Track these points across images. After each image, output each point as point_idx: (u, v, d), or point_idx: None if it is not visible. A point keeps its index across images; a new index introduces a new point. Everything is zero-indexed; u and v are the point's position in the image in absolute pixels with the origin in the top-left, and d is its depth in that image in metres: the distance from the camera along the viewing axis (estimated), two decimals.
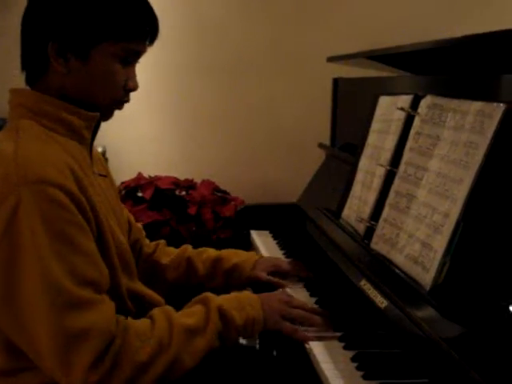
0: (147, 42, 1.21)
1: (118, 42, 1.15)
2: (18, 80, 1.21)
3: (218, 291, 1.32)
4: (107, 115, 1.24)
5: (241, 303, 1.24)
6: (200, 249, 1.58)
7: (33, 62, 1.18)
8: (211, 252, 1.57)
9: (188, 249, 1.58)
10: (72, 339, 1.03)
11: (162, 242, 1.60)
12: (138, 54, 1.21)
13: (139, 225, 1.57)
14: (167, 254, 1.56)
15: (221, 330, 1.19)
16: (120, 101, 1.22)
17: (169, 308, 1.21)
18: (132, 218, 1.52)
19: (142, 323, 1.15)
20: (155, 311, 1.19)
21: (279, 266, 1.56)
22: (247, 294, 1.28)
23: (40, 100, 1.16)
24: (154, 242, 1.58)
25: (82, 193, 1.10)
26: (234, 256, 1.55)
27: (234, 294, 1.28)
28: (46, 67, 1.16)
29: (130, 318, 1.15)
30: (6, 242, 1.03)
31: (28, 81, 1.20)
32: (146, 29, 1.19)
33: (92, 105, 1.20)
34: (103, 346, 1.05)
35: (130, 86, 1.21)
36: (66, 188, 1.05)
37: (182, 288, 1.52)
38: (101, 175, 1.30)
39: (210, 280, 1.52)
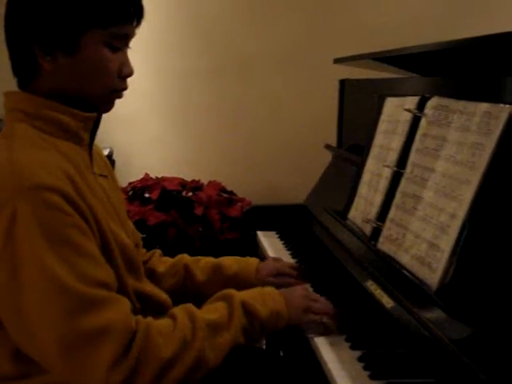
0: (134, 24, 1.17)
1: (103, 28, 1.12)
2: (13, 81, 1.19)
3: None
4: (108, 106, 1.21)
5: (264, 297, 1.23)
6: (196, 257, 1.56)
7: (22, 65, 1.15)
8: (209, 259, 1.55)
9: (185, 257, 1.56)
10: (90, 340, 1.02)
11: (158, 251, 1.58)
12: (126, 38, 1.17)
13: (139, 233, 1.54)
14: (163, 262, 1.54)
15: (245, 325, 1.18)
16: (117, 89, 1.19)
17: (190, 305, 1.19)
18: (131, 224, 1.48)
19: (164, 321, 1.13)
20: (176, 309, 1.18)
21: (282, 269, 1.55)
22: (269, 290, 1.28)
23: (35, 103, 1.14)
24: (149, 252, 1.56)
25: (79, 195, 1.08)
26: (234, 263, 1.53)
27: (256, 289, 1.28)
28: (35, 69, 1.14)
29: (150, 318, 1.13)
30: (6, 255, 1.01)
31: (20, 85, 1.18)
32: (131, 10, 1.15)
33: (89, 101, 1.17)
34: (124, 344, 1.04)
35: (124, 73, 1.18)
36: (62, 191, 1.03)
37: (178, 296, 1.48)
38: (101, 175, 1.27)
39: (209, 287, 1.49)
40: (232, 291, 1.24)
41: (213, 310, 1.19)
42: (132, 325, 1.06)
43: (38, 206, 1.01)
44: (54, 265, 1.01)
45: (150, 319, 1.13)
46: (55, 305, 1.01)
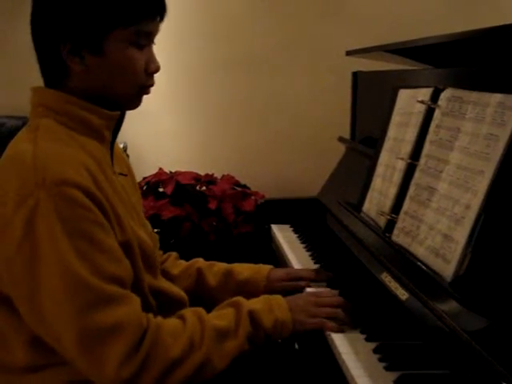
0: (157, 20, 1.18)
1: (127, 26, 1.13)
2: (39, 77, 1.20)
3: None
4: (136, 103, 1.22)
5: (270, 306, 1.25)
6: (211, 261, 1.56)
7: (49, 66, 1.17)
8: (222, 265, 1.54)
9: (199, 261, 1.56)
10: (103, 335, 1.04)
11: (174, 254, 1.58)
12: (150, 35, 1.18)
13: (155, 234, 1.52)
14: (177, 265, 1.54)
15: (250, 333, 1.20)
16: (145, 86, 1.20)
17: (200, 309, 1.21)
18: (149, 226, 1.48)
19: (174, 322, 1.16)
20: (186, 311, 1.20)
21: (294, 274, 1.53)
22: (276, 298, 1.29)
23: (61, 99, 1.16)
24: (165, 254, 1.56)
25: (100, 191, 1.09)
26: (245, 269, 1.52)
27: (264, 297, 1.29)
28: (64, 70, 1.15)
29: (160, 317, 1.15)
30: (26, 246, 1.03)
31: (47, 85, 1.19)
32: (153, 6, 1.16)
33: (117, 100, 1.19)
34: (135, 341, 1.06)
35: (151, 69, 1.19)
36: (83, 187, 1.05)
37: (189, 299, 1.46)
38: (121, 174, 1.29)
39: (221, 292, 1.49)
40: (241, 299, 1.26)
41: (222, 317, 1.21)
42: (143, 322, 1.09)
43: (59, 201, 1.03)
44: (73, 259, 1.03)
45: (160, 319, 1.15)
46: (71, 298, 1.03)
